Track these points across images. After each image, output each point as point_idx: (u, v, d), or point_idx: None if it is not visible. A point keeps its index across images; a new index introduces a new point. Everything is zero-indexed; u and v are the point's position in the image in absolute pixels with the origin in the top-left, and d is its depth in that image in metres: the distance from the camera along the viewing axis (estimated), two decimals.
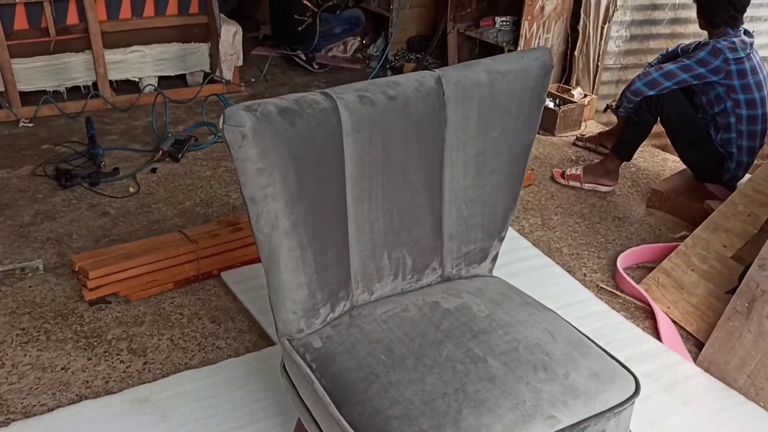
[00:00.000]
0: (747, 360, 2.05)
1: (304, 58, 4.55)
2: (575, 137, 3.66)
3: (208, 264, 2.43)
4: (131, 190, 2.98)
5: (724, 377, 2.10)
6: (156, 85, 3.91)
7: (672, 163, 3.47)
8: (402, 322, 1.52)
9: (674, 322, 2.35)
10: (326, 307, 1.53)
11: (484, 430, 1.28)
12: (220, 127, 1.30)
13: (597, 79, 3.97)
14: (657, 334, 2.29)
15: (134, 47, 3.85)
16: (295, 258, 1.41)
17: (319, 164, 1.39)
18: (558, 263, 2.64)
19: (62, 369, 2.02)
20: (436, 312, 1.55)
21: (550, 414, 1.34)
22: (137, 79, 3.93)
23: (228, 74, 4.08)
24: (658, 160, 3.54)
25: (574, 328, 1.56)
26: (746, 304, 2.07)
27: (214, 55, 4.01)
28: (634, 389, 1.44)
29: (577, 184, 3.20)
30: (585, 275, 2.60)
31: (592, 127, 3.80)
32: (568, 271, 2.60)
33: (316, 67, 4.55)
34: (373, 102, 1.46)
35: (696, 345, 2.27)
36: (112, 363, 2.05)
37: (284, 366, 1.63)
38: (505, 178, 1.67)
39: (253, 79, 4.32)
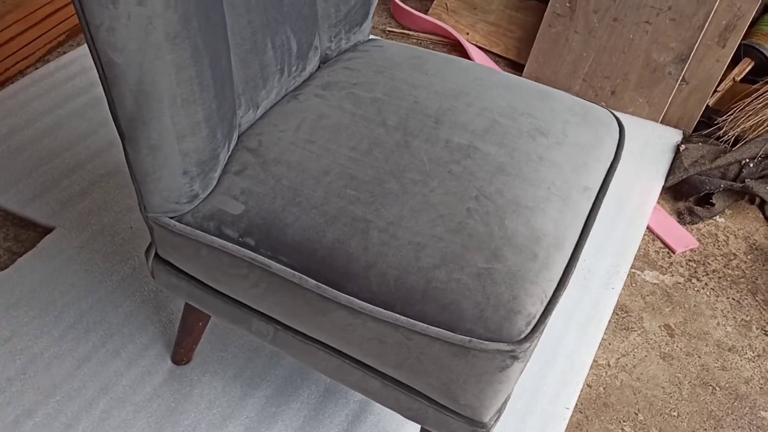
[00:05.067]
0: (579, 63, 1.93)
1: None
2: None
3: None
4: None
5: (557, 88, 1.98)
6: None
7: None
8: (334, 135, 1.01)
9: (479, 47, 2.13)
10: (225, 150, 0.95)
11: (541, 236, 0.93)
12: None
13: None
14: None
15: None
16: (188, 80, 0.79)
17: None
18: None
19: None
20: (363, 106, 1.07)
21: (582, 185, 1.03)
22: None
23: None
24: None
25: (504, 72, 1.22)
26: (567, 4, 1.90)
27: None
28: (618, 128, 1.19)
29: None
30: None
31: None
32: None
33: None
34: None
35: (510, 65, 2.10)
36: None
37: (159, 257, 1.04)
38: None
39: None
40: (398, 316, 0.85)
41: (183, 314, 1.18)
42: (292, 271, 0.89)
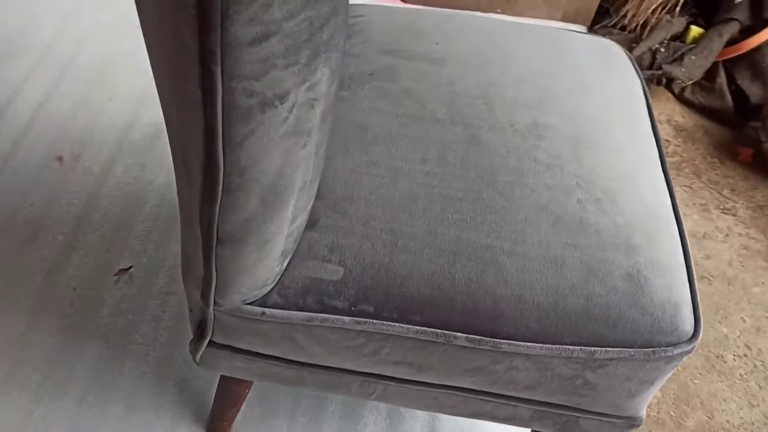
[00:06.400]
0: None
1: None
2: None
3: None
4: None
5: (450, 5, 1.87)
6: None
7: None
8: (392, 148, 0.84)
9: None
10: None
11: (653, 208, 0.86)
12: None
13: None
14: None
15: None
16: (320, 157, 0.60)
17: None
18: None
19: None
20: (400, 102, 0.90)
21: (644, 135, 0.97)
22: None
23: None
24: None
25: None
26: None
27: None
28: (629, 60, 1.12)
29: None
30: None
31: None
32: None
33: None
34: None
35: None
36: None
37: (222, 345, 0.84)
38: None
39: None
40: (572, 347, 0.76)
41: (224, 386, 0.99)
42: (432, 330, 0.76)
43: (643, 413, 0.87)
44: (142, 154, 1.37)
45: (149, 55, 0.68)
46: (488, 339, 0.76)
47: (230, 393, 0.99)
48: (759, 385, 1.29)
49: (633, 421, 0.87)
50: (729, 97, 1.71)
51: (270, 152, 0.52)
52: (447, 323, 0.76)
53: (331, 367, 0.85)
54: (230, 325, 0.79)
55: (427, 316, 0.76)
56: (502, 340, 0.76)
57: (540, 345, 0.76)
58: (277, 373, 0.87)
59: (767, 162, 1.66)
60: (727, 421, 1.23)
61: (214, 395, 1.03)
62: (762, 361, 1.33)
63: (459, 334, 0.76)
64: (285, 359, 0.85)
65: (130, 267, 1.21)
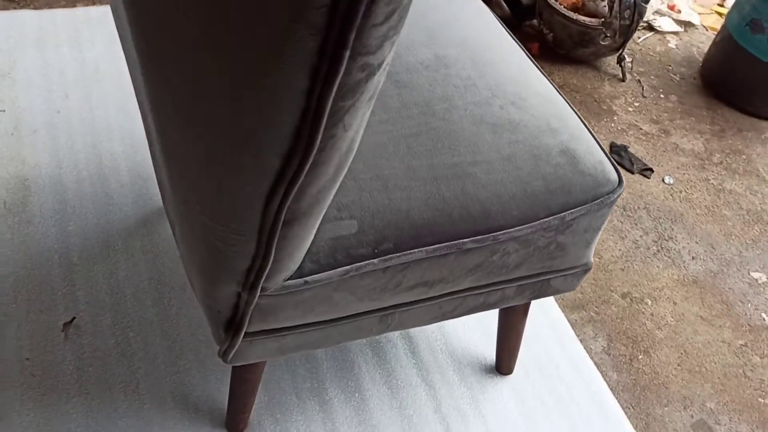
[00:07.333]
0: None
1: None
2: None
3: None
4: None
5: None
6: None
7: None
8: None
9: None
10: None
11: (546, 92, 1.05)
12: None
13: None
14: None
15: None
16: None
17: None
18: None
19: None
20: None
21: (512, 44, 1.15)
22: None
23: None
24: None
25: None
26: None
27: None
28: None
29: None
30: None
31: None
32: None
33: None
34: None
35: None
36: None
37: (255, 333, 0.89)
38: None
39: None
40: (548, 219, 0.93)
41: (239, 377, 1.03)
42: (443, 244, 0.88)
43: (592, 258, 1.08)
44: (22, 210, 1.30)
45: (142, 75, 0.71)
46: (487, 235, 0.90)
47: (247, 382, 1.04)
48: (620, 221, 1.59)
49: (586, 266, 1.07)
50: (505, 5, 1.98)
51: (357, 118, 0.60)
52: (452, 235, 0.89)
53: (353, 315, 0.95)
54: (270, 307, 0.85)
55: (436, 235, 0.88)
56: (498, 233, 0.91)
57: (525, 226, 0.92)
58: (306, 340, 0.94)
59: (551, 48, 1.96)
60: (612, 255, 1.51)
61: (227, 394, 1.07)
62: None
63: (465, 239, 0.89)
64: (314, 323, 0.93)
65: (73, 318, 1.18)
